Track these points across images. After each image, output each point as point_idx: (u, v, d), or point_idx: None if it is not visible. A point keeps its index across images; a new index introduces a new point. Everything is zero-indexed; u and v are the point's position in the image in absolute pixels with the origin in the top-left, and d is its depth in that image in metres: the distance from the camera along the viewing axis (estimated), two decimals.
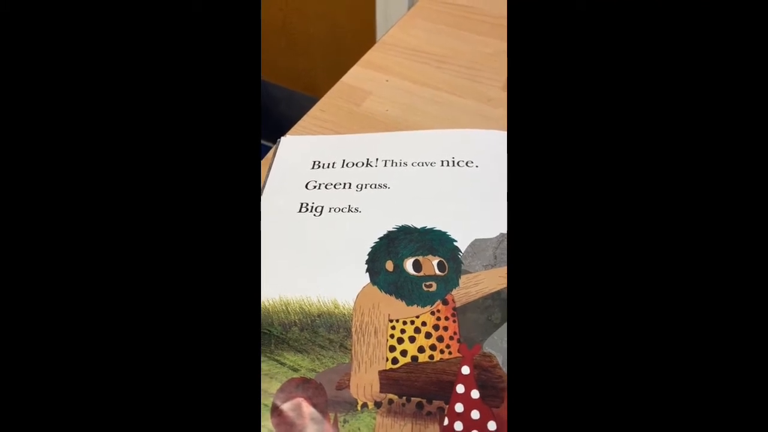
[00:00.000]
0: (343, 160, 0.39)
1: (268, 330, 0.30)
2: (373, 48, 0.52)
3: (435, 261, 0.32)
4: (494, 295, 0.31)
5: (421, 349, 0.29)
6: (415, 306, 0.31)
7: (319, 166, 0.39)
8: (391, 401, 0.28)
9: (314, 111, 0.46)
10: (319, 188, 0.37)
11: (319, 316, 0.30)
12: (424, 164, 0.38)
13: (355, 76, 0.49)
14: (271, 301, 0.31)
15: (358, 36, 1.24)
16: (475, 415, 0.27)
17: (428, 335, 0.30)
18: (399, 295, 0.31)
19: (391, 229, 0.34)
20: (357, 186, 0.37)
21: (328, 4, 1.25)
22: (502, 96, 0.46)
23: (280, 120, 0.70)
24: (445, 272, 0.32)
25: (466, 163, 0.38)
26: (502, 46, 0.52)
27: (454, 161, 0.38)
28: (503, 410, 0.27)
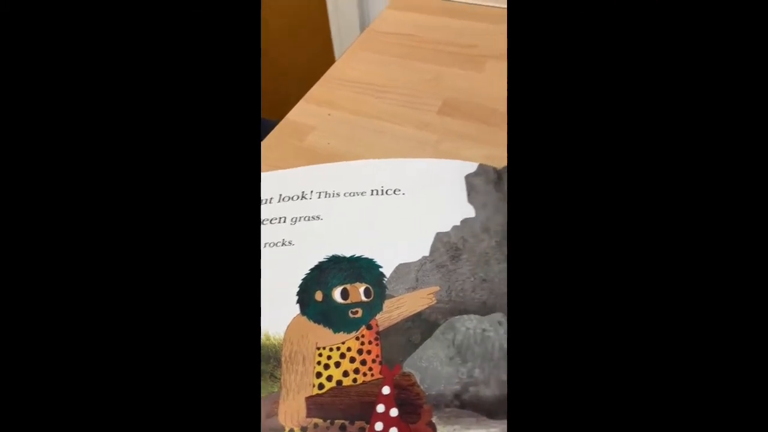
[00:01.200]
0: (280, 195, 0.41)
1: None
2: (318, 83, 0.55)
3: (362, 288, 0.34)
4: (414, 317, 0.32)
5: (345, 374, 0.31)
6: (342, 333, 0.32)
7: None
8: (316, 425, 0.29)
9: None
10: None
11: None
12: (355, 194, 0.40)
13: (299, 111, 0.51)
14: None
15: (323, 65, 1.27)
16: None
17: (352, 360, 0.31)
18: (327, 323, 0.33)
19: (322, 260, 0.36)
20: (291, 219, 0.39)
21: (299, 37, 1.28)
22: (438, 121, 0.48)
23: None
24: (371, 298, 0.34)
25: (394, 191, 0.40)
26: (441, 70, 0.54)
27: (382, 190, 0.40)
28: (420, 425, 0.29)
